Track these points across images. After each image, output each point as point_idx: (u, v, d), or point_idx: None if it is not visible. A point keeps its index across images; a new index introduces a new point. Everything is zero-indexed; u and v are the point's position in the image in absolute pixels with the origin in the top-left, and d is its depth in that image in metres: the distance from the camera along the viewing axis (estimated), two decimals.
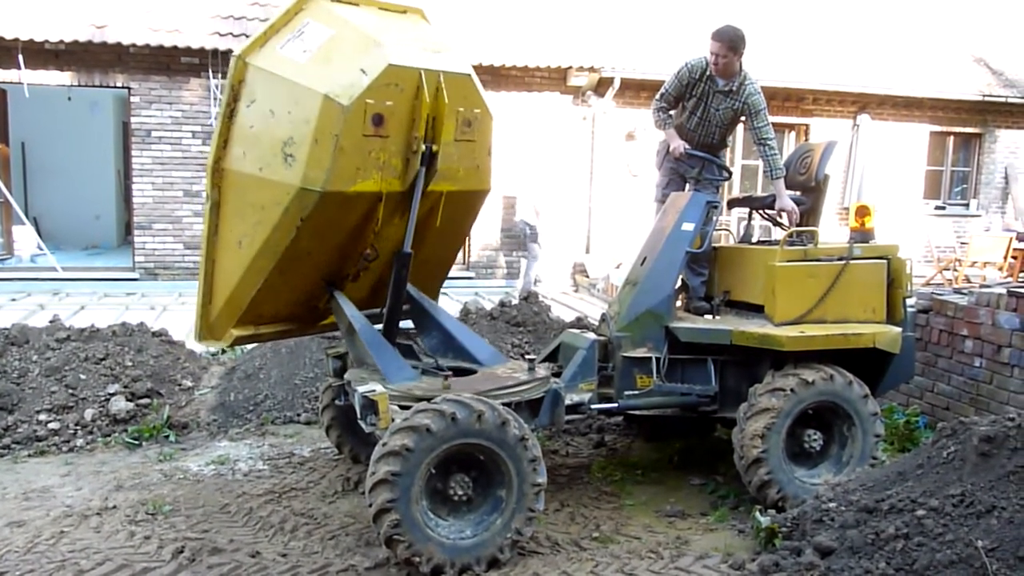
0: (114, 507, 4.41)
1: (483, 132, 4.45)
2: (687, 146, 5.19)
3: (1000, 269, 12.32)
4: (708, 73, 5.12)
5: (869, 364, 4.68)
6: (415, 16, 4.49)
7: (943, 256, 14.06)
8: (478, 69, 4.68)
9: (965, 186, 15.98)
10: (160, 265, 12.07)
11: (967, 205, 15.84)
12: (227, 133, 4.10)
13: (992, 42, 16.34)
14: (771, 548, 3.74)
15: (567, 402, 4.42)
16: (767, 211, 5.60)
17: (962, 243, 14.85)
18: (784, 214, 5.20)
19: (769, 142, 5.14)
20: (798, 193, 5.31)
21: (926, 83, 14.56)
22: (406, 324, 4.84)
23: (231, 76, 4.03)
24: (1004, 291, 5.43)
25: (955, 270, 12.86)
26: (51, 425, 5.53)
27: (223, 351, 7.37)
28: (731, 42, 4.98)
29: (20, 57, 11.07)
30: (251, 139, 4.05)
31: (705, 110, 5.21)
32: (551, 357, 4.98)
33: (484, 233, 12.86)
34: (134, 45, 11.27)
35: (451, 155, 4.30)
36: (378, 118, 3.95)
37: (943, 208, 15.65)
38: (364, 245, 4.37)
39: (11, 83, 11.49)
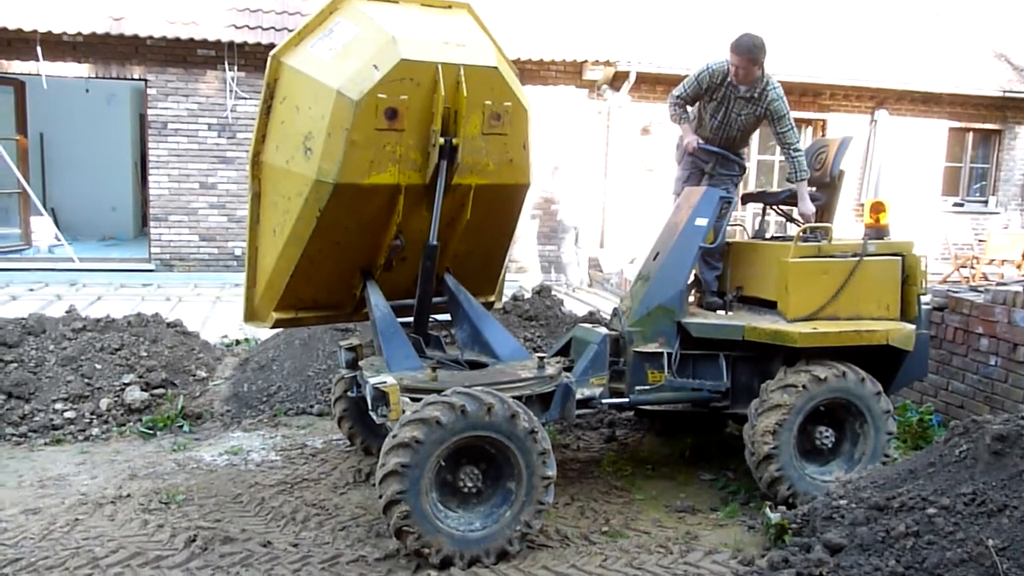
0: (128, 496, 4.45)
1: (516, 126, 4.43)
2: (700, 141, 5.17)
3: (1018, 267, 12.22)
4: (729, 79, 5.06)
5: (882, 361, 4.65)
6: (460, 11, 4.47)
7: (960, 253, 13.95)
8: None
9: (984, 183, 15.84)
10: (176, 256, 12.15)
11: (985, 202, 15.70)
12: (264, 128, 4.32)
13: (1013, 37, 16.17)
14: (781, 544, 3.74)
15: (578, 396, 4.42)
16: (781, 207, 5.57)
17: (980, 240, 14.73)
18: (803, 217, 5.15)
19: (794, 145, 5.09)
20: (813, 189, 5.28)
21: (945, 78, 14.44)
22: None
23: (267, 75, 4.24)
24: (1020, 289, 5.38)
25: (972, 267, 12.76)
26: (67, 414, 5.58)
27: (237, 342, 7.45)
28: (750, 53, 4.92)
29: (39, 49, 11.16)
30: (282, 134, 4.24)
31: (726, 114, 5.16)
32: (563, 351, 4.98)
33: None
34: (151, 37, 11.34)
35: (479, 149, 4.32)
36: (391, 112, 3.99)
37: (961, 205, 15.52)
38: (391, 236, 4.42)
39: (30, 75, 11.58)
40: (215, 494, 4.52)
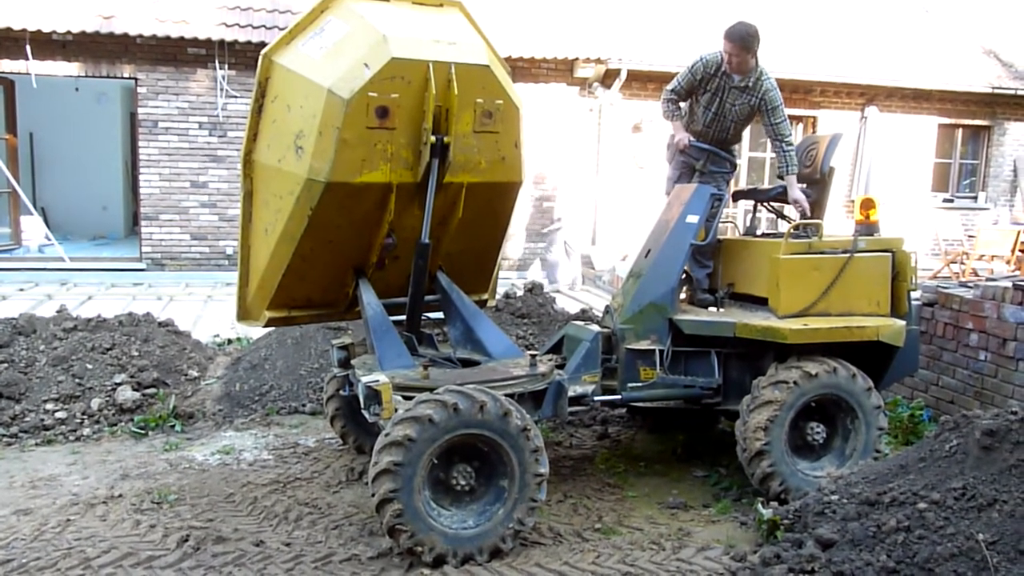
0: (120, 496, 4.44)
1: (508, 123, 4.43)
2: (691, 138, 5.18)
3: (1008, 263, 12.27)
4: (723, 69, 5.07)
5: (873, 357, 4.67)
6: (452, 10, 4.47)
7: (950, 249, 14.01)
8: None
9: (973, 179, 15.92)
10: (167, 256, 12.11)
11: (975, 198, 15.78)
12: (256, 127, 4.32)
13: (1002, 34, 16.25)
14: (773, 540, 3.76)
15: (570, 394, 4.43)
16: (772, 203, 5.59)
17: (970, 236, 14.80)
18: (796, 205, 5.16)
19: (786, 138, 5.11)
20: (804, 185, 5.29)
21: (935, 75, 14.50)
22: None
23: (259, 73, 4.23)
24: (1010, 285, 5.41)
25: (962, 263, 12.82)
26: (58, 414, 5.56)
27: (228, 341, 7.44)
28: (743, 41, 4.93)
29: (28, 48, 11.10)
30: (273, 133, 4.24)
31: (720, 105, 5.17)
32: (555, 349, 4.99)
33: None
34: (141, 36, 11.29)
35: (471, 147, 4.33)
36: (382, 111, 3.99)
37: (951, 201, 15.60)
38: (383, 234, 4.43)
39: (19, 74, 11.53)
40: (207, 494, 4.51)
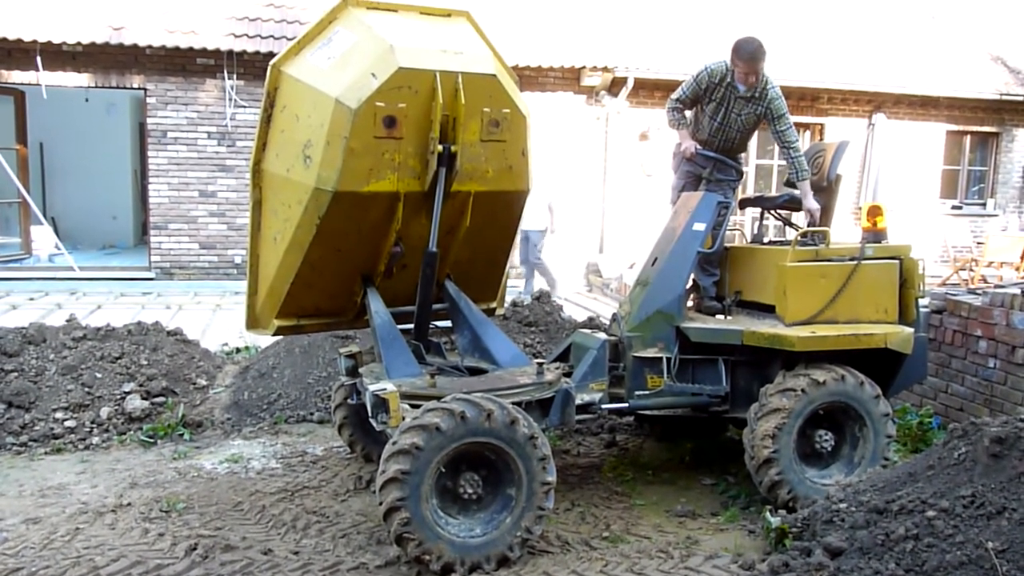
0: (129, 504, 4.46)
1: (515, 132, 4.45)
2: (698, 146, 5.19)
3: (1017, 269, 12.23)
4: (728, 79, 5.09)
5: (881, 365, 4.66)
6: (460, 19, 4.50)
7: (959, 256, 13.96)
8: None
9: (982, 185, 15.88)
10: (176, 265, 12.17)
11: (984, 205, 15.73)
12: (265, 136, 4.35)
13: (1010, 40, 16.22)
14: (781, 548, 3.74)
15: (578, 402, 4.43)
16: (779, 211, 5.59)
17: (979, 243, 14.74)
18: (808, 214, 5.16)
19: (794, 144, 5.11)
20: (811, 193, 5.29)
21: (942, 82, 14.47)
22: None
23: (267, 84, 4.27)
24: (1019, 291, 5.39)
25: (971, 270, 12.77)
26: (67, 423, 5.59)
27: (237, 350, 7.46)
28: (752, 57, 4.95)
29: (38, 59, 11.19)
30: (282, 142, 4.27)
31: (726, 115, 5.17)
32: (563, 357, 4.99)
33: None
34: (150, 46, 11.38)
35: (478, 156, 4.35)
36: (390, 120, 4.01)
37: (960, 208, 15.54)
38: (391, 243, 4.45)
39: (30, 85, 11.62)
40: (216, 502, 4.52)
